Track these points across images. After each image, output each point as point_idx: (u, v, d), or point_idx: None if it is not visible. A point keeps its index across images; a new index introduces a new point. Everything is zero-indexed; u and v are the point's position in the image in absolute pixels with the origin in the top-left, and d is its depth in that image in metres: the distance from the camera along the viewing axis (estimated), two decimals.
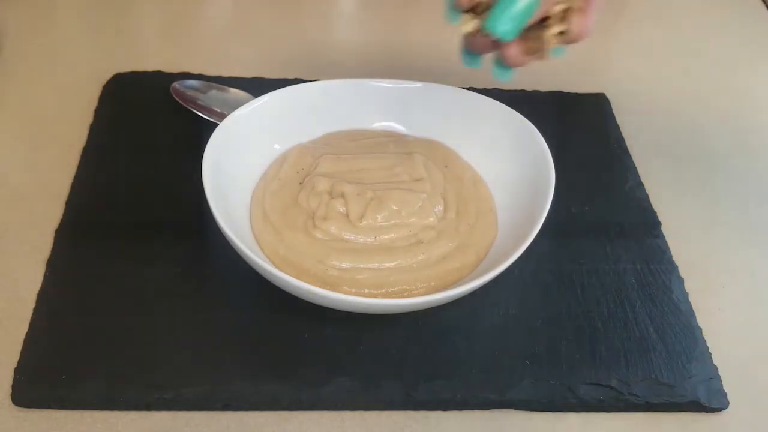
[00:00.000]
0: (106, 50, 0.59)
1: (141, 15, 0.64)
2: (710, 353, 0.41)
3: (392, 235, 0.41)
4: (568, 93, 0.58)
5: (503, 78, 0.35)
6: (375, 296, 0.39)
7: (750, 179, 0.54)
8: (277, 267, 0.38)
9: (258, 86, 0.49)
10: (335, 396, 0.38)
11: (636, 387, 0.39)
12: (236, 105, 0.45)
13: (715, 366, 0.41)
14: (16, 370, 0.37)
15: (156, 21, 0.63)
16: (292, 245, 0.40)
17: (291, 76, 0.55)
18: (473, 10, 0.34)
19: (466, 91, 0.48)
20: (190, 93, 0.52)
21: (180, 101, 0.51)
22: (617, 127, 0.55)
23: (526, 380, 0.39)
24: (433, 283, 0.40)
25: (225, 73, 0.55)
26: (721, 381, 0.40)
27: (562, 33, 0.34)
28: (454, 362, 0.39)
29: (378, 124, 0.49)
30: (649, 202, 0.50)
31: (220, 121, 0.43)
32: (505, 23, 0.30)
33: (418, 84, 0.48)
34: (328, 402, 0.38)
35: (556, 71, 0.61)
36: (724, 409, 0.40)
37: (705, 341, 0.42)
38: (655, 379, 0.40)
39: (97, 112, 0.52)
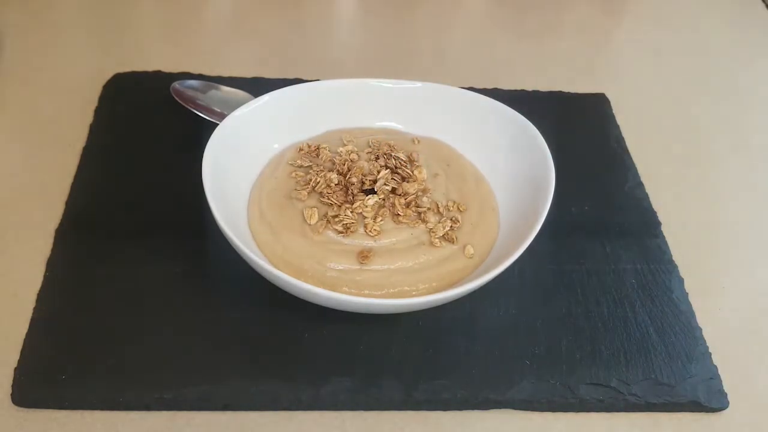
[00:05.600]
0: (106, 50, 0.59)
1: (141, 15, 0.64)
2: (710, 353, 0.41)
3: (393, 238, 0.41)
4: (568, 93, 0.58)
5: None
6: (375, 297, 0.39)
7: (750, 179, 0.54)
8: (275, 267, 0.38)
9: (258, 86, 0.49)
10: (335, 396, 0.38)
11: (636, 387, 0.39)
12: (236, 105, 0.45)
13: (715, 366, 0.41)
14: (16, 370, 0.37)
15: (156, 21, 0.63)
16: (289, 246, 0.40)
17: (291, 76, 0.55)
18: None
19: (466, 91, 0.48)
20: (190, 93, 0.52)
21: (180, 101, 0.51)
22: (617, 127, 0.55)
23: (526, 380, 0.39)
24: (434, 284, 0.40)
25: (225, 73, 0.55)
26: (721, 381, 0.40)
27: None
28: (454, 362, 0.39)
29: (378, 124, 0.49)
30: (649, 202, 0.50)
31: (220, 121, 0.43)
32: None
33: (418, 84, 0.48)
34: (328, 402, 0.38)
35: (556, 71, 0.62)
36: (724, 409, 0.40)
37: (705, 341, 0.42)
38: (655, 379, 0.40)
39: (97, 112, 0.52)
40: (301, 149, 0.46)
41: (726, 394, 0.40)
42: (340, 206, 0.41)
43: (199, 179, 0.39)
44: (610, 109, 0.57)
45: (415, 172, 0.43)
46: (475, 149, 0.47)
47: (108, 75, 0.55)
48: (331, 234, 0.41)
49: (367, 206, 0.41)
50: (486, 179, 0.46)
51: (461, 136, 0.48)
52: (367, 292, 0.39)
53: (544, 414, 0.39)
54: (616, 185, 0.51)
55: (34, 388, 0.37)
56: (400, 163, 0.44)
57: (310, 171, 0.44)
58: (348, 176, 0.43)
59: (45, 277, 0.41)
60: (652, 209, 0.49)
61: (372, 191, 0.42)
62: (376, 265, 0.40)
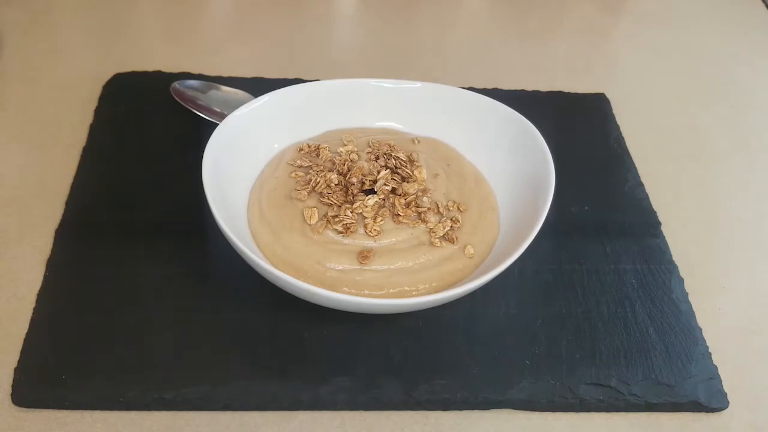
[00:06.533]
0: (106, 50, 0.59)
1: (141, 15, 0.64)
2: (710, 353, 0.41)
3: (393, 238, 0.41)
4: (568, 93, 0.58)
5: None
6: (375, 297, 0.39)
7: (750, 179, 0.54)
8: (275, 267, 0.38)
9: (258, 86, 0.49)
10: (335, 396, 0.38)
11: (636, 387, 0.39)
12: (236, 105, 0.45)
13: (715, 366, 0.41)
14: (16, 370, 0.37)
15: (156, 21, 0.63)
16: (289, 246, 0.40)
17: (291, 76, 0.55)
18: None
19: (466, 91, 0.48)
20: (190, 93, 0.52)
21: (180, 101, 0.51)
22: (617, 127, 0.55)
23: (526, 380, 0.39)
24: (434, 284, 0.40)
25: (225, 73, 0.55)
26: (721, 381, 0.40)
27: None
28: (454, 362, 0.39)
29: (378, 124, 0.49)
30: (649, 202, 0.50)
31: (220, 121, 0.43)
32: None
33: (418, 84, 0.48)
34: (328, 402, 0.38)
35: (556, 71, 0.62)
36: (724, 409, 0.40)
37: (705, 341, 0.42)
38: (655, 379, 0.40)
39: (97, 112, 0.52)
40: (301, 149, 0.46)
41: (726, 394, 0.40)
42: (340, 206, 0.41)
43: (199, 179, 0.39)
44: (610, 109, 0.57)
45: (415, 172, 0.43)
46: (475, 149, 0.47)
47: (108, 75, 0.55)
48: (331, 234, 0.41)
49: (367, 206, 0.41)
50: (486, 179, 0.46)
51: (461, 136, 0.48)
52: (367, 292, 0.39)
53: (544, 414, 0.39)
54: (616, 185, 0.51)
55: (34, 388, 0.37)
56: (400, 163, 0.44)
57: (310, 171, 0.44)
58: (348, 176, 0.43)
59: (45, 277, 0.41)
60: (652, 209, 0.49)
61: (372, 191, 0.42)
62: (376, 265, 0.40)
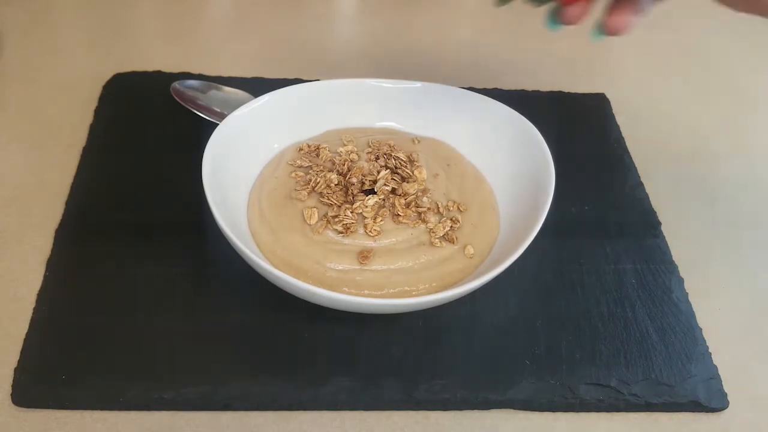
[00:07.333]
0: (106, 50, 0.59)
1: (141, 15, 0.64)
2: (710, 353, 0.41)
3: (393, 238, 0.41)
4: (568, 93, 0.58)
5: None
6: (375, 297, 0.39)
7: (750, 179, 0.54)
8: (275, 267, 0.38)
9: (258, 86, 0.49)
10: (335, 396, 0.38)
11: (636, 387, 0.39)
12: (236, 105, 0.45)
13: (715, 366, 0.41)
14: (16, 370, 0.37)
15: (156, 21, 0.63)
16: (289, 246, 0.40)
17: (291, 76, 0.55)
18: None
19: (466, 91, 0.48)
20: (190, 93, 0.52)
21: (180, 101, 0.51)
22: (617, 127, 0.55)
23: (526, 380, 0.39)
24: (434, 284, 0.40)
25: (225, 73, 0.55)
26: (721, 381, 0.40)
27: None
28: (454, 362, 0.39)
29: (378, 124, 0.49)
30: (649, 202, 0.50)
31: (220, 121, 0.43)
32: None
33: (418, 84, 0.48)
34: (328, 402, 0.38)
35: (556, 71, 0.62)
36: (724, 409, 0.40)
37: (705, 341, 0.42)
38: (655, 379, 0.40)
39: (97, 112, 0.52)
40: (301, 149, 0.46)
41: (726, 394, 0.40)
42: (340, 206, 0.41)
43: (199, 179, 0.39)
44: (610, 109, 0.57)
45: (415, 172, 0.43)
46: (475, 149, 0.47)
47: (108, 75, 0.55)
48: (331, 234, 0.41)
49: (367, 206, 0.41)
50: (486, 179, 0.46)
51: (461, 136, 0.48)
52: (367, 292, 0.39)
53: (544, 414, 0.39)
54: (616, 185, 0.51)
55: (34, 388, 0.37)
56: (400, 163, 0.44)
57: (310, 171, 0.44)
58: (348, 176, 0.43)
59: (45, 277, 0.41)
60: (652, 209, 0.49)
61: (372, 191, 0.42)
62: (376, 266, 0.40)
